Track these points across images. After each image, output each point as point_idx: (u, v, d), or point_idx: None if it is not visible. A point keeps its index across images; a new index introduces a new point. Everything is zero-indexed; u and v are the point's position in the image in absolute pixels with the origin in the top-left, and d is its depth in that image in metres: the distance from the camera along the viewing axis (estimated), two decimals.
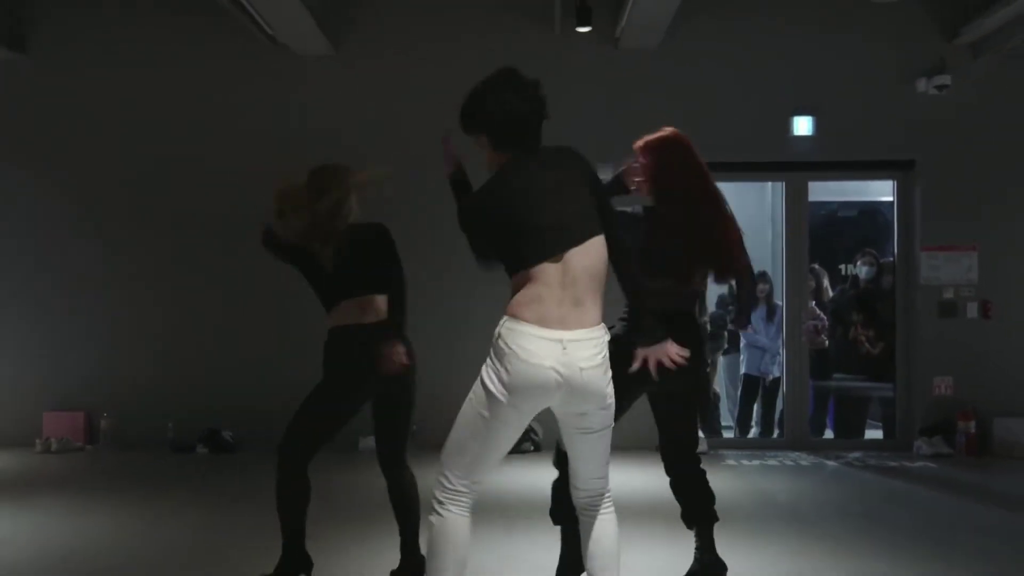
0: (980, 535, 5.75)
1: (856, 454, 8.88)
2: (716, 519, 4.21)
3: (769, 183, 10.65)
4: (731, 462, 8.44)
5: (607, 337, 3.27)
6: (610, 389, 3.24)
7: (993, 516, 6.41)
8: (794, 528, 5.86)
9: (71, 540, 5.54)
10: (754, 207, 11.53)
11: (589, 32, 8.86)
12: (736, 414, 10.19)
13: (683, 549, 4.51)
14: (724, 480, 7.57)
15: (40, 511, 6.41)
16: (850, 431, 9.63)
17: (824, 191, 10.56)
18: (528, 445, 8.90)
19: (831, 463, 8.44)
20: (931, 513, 6.50)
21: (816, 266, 9.98)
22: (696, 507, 4.21)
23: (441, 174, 3.90)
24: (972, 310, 9.21)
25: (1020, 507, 6.71)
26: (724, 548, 4.36)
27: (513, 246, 3.25)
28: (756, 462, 8.46)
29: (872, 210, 11.11)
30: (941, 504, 6.89)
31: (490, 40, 9.17)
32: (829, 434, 9.79)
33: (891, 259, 9.62)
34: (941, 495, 7.19)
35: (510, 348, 3.14)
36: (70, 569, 4.89)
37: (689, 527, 4.23)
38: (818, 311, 9.73)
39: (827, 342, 9.76)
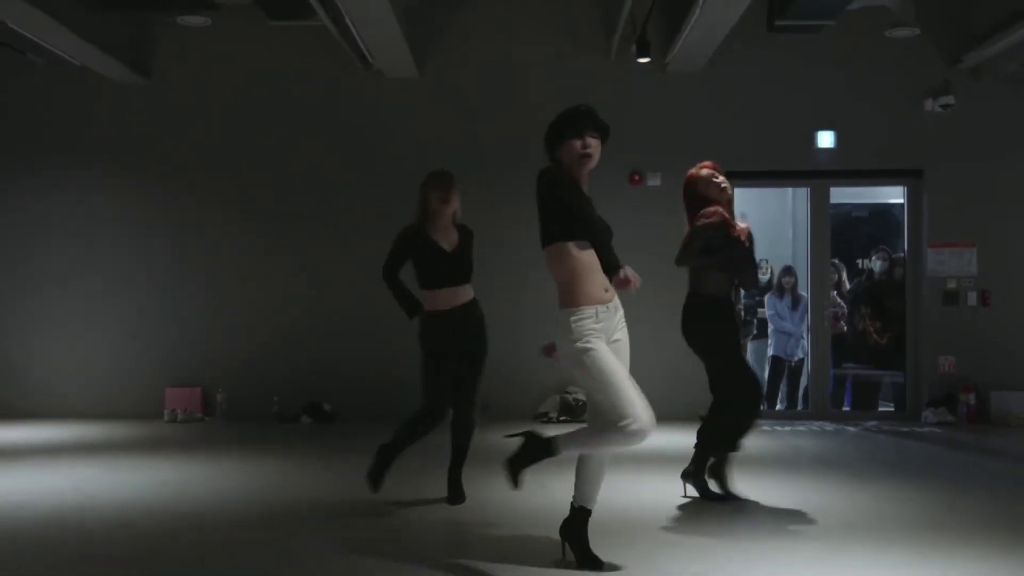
0: (976, 474, 7.09)
1: (872, 423, 10.16)
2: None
3: (790, 188, 11.86)
4: (765, 428, 9.75)
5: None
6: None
7: (987, 464, 7.72)
8: (821, 470, 7.18)
9: (201, 489, 6.38)
10: (776, 209, 12.78)
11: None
12: (764, 392, 11.42)
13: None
14: (761, 440, 8.87)
15: (177, 468, 7.29)
16: (865, 408, 10.77)
17: (841, 194, 11.48)
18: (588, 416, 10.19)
19: (851, 429, 9.71)
20: (935, 461, 7.80)
21: (836, 260, 11.05)
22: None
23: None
24: (972, 298, 10.26)
25: (1009, 458, 7.99)
26: (764, 486, 5.72)
27: None
28: (787, 428, 9.77)
29: (884, 211, 12.14)
30: (944, 456, 8.16)
31: (554, 66, 10.37)
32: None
33: (902, 254, 10.67)
34: (944, 450, 8.42)
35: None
36: (202, 512, 5.67)
37: None
38: (839, 300, 10.98)
39: (846, 327, 11.03)
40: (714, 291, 5.87)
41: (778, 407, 11.00)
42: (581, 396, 10.17)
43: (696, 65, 10.06)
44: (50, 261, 10.70)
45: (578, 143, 4.30)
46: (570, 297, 4.24)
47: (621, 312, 4.36)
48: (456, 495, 5.83)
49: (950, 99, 10.10)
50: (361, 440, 8.78)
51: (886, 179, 10.88)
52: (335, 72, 10.48)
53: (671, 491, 6.03)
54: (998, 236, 10.33)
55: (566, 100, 10.48)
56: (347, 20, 8.34)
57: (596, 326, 4.20)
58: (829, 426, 9.91)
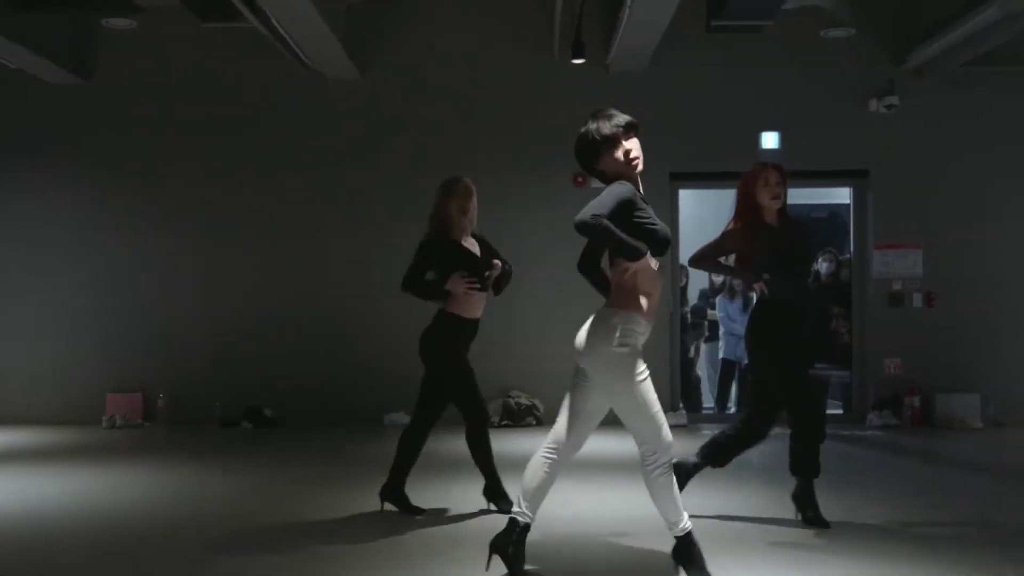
0: (912, 479, 7.05)
1: None
2: None
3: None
4: (707, 432, 9.67)
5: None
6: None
7: (919, 468, 7.68)
8: (763, 477, 7.10)
9: (142, 497, 6.38)
10: (722, 210, 12.66)
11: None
12: (715, 394, 11.37)
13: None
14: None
15: (113, 475, 7.26)
16: None
17: (799, 195, 11.43)
18: (531, 420, 10.10)
19: None
20: (873, 465, 7.76)
21: None
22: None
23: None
24: (917, 300, 10.25)
25: (943, 462, 7.97)
26: (709, 492, 5.65)
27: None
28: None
29: (832, 212, 12.02)
30: (882, 461, 8.12)
31: (496, 67, 10.32)
32: None
33: (848, 256, 10.66)
34: (884, 455, 8.38)
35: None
36: (143, 517, 5.71)
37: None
38: None
39: None
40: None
41: (730, 409, 10.94)
42: (524, 400, 10.08)
43: (638, 65, 10.01)
44: None
45: (620, 152, 4.23)
46: (626, 300, 4.13)
47: None
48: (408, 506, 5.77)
49: (894, 99, 10.10)
50: (300, 447, 8.76)
51: (832, 180, 10.84)
52: (276, 74, 10.38)
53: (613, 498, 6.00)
54: (943, 237, 10.30)
55: (513, 100, 10.38)
56: (273, 21, 8.23)
57: (641, 338, 4.13)
58: (775, 430, 9.78)
